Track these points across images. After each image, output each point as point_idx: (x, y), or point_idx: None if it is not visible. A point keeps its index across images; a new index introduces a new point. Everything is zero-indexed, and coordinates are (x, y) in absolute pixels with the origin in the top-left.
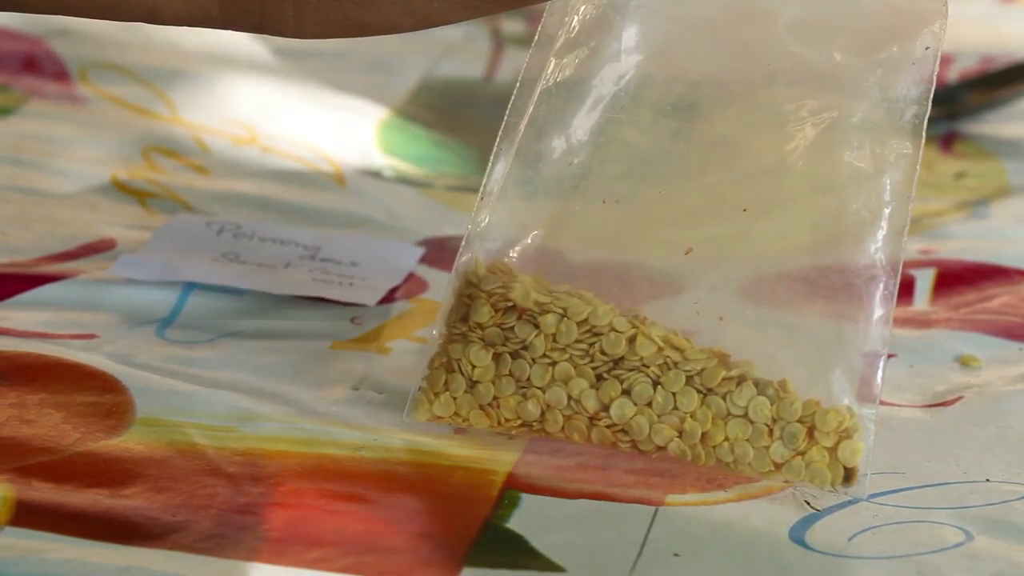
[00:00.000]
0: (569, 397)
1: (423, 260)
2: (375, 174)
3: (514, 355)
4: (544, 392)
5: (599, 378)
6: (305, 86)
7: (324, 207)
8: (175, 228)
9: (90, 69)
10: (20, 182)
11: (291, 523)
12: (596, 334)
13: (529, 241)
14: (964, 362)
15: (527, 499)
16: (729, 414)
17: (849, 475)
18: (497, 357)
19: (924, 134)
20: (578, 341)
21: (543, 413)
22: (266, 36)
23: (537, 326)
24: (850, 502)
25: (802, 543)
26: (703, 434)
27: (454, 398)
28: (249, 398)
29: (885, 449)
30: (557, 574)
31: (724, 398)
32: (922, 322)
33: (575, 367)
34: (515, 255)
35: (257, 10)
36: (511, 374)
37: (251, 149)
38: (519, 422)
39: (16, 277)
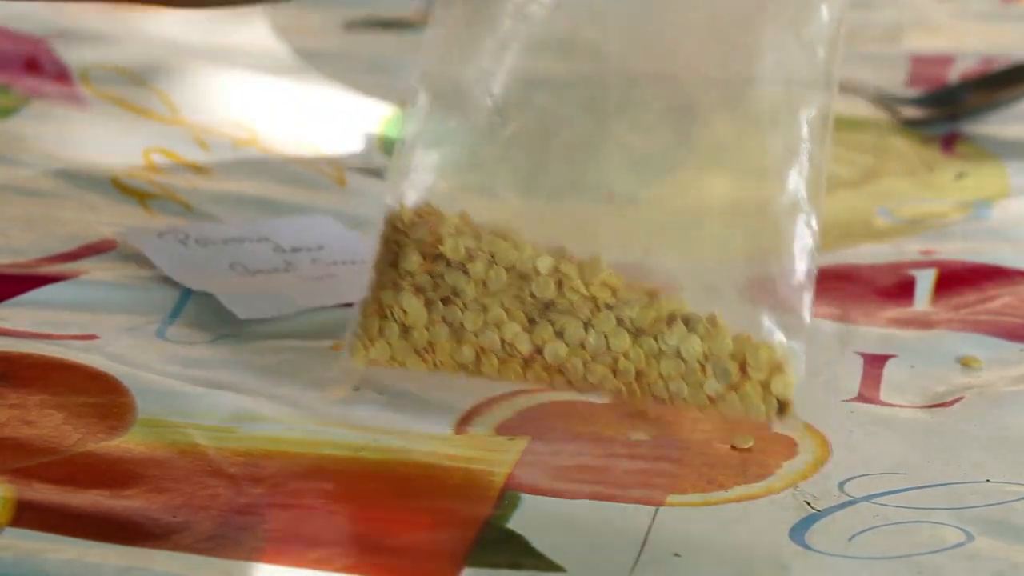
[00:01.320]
0: (503, 341)
1: None
2: (375, 174)
3: (445, 301)
4: (478, 337)
5: (531, 321)
6: (305, 86)
7: (324, 207)
8: (150, 245)
9: (91, 70)
10: (21, 183)
11: (292, 523)
12: (525, 278)
13: (453, 180)
14: (965, 363)
15: (527, 499)
16: (661, 353)
17: (783, 407)
18: (429, 303)
19: (835, 77)
20: (508, 286)
21: (478, 356)
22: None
23: (467, 272)
24: (850, 502)
25: (802, 543)
26: (637, 372)
27: (389, 344)
28: (250, 398)
29: (886, 450)
30: (557, 574)
31: (656, 338)
32: (923, 323)
33: (507, 311)
34: (439, 195)
35: None
36: (444, 320)
37: (251, 150)
38: (455, 366)
39: (17, 278)
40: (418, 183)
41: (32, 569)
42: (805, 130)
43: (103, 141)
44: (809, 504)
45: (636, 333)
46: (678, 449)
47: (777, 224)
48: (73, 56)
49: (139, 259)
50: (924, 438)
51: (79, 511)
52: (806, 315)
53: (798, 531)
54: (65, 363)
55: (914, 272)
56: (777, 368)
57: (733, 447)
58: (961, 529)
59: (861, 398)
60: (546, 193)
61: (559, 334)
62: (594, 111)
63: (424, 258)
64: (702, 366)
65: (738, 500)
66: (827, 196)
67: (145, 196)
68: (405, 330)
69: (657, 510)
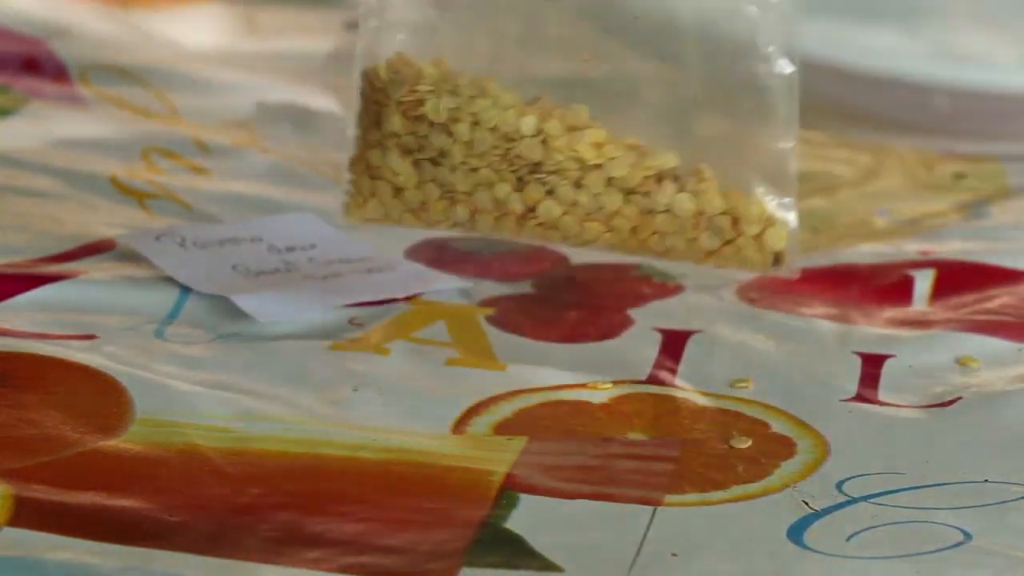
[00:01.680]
0: (495, 200)
1: (423, 261)
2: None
3: (434, 162)
4: (470, 196)
5: (520, 180)
6: (304, 87)
7: (323, 207)
8: (151, 248)
9: (90, 70)
10: (20, 183)
11: (290, 523)
12: (511, 140)
13: (425, 27)
14: (963, 363)
15: (525, 499)
16: (653, 210)
17: (778, 258)
18: (417, 164)
19: None
20: (494, 147)
21: (472, 215)
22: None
23: (451, 134)
24: (848, 502)
25: (800, 543)
26: (632, 228)
27: (383, 203)
28: (248, 398)
29: (884, 449)
30: (555, 574)
31: (646, 195)
32: (921, 323)
33: (495, 172)
34: (413, 44)
35: None
36: (434, 180)
37: (251, 150)
38: (450, 223)
39: (15, 278)
40: (390, 32)
41: (31, 569)
42: None
43: (102, 141)
44: (807, 504)
45: (627, 192)
46: (676, 449)
47: (764, 88)
48: (72, 56)
49: (138, 259)
50: (922, 438)
51: (78, 511)
52: (792, 167)
53: (796, 531)
54: (64, 363)
55: (913, 272)
56: (769, 221)
57: (731, 447)
58: (959, 529)
59: (859, 398)
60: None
61: (550, 193)
62: None
63: (406, 119)
64: (695, 222)
65: (736, 500)
66: (826, 197)
67: (144, 196)
68: (397, 191)
69: (655, 510)
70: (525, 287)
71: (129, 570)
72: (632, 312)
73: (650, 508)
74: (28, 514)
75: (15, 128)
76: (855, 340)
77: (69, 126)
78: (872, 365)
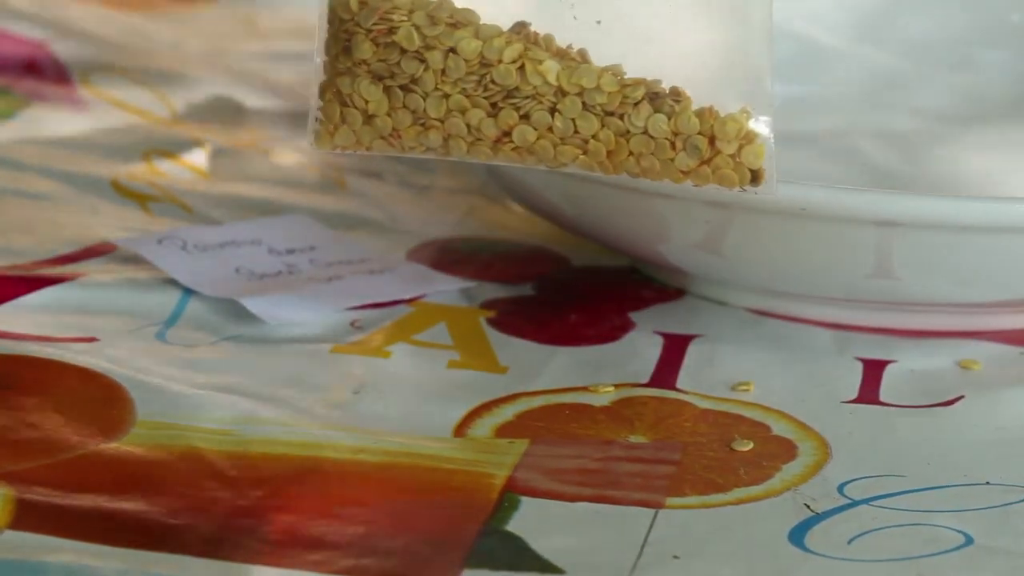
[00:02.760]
0: (468, 126)
1: (424, 263)
2: (376, 176)
3: (405, 88)
4: (443, 123)
5: (494, 106)
6: (305, 90)
7: (324, 209)
8: (154, 252)
9: (92, 72)
10: (21, 185)
11: (291, 526)
12: (486, 65)
13: None
14: (964, 366)
15: (527, 502)
16: (629, 132)
17: (756, 176)
18: (388, 90)
19: None
20: (469, 73)
21: (446, 140)
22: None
23: (423, 61)
24: (850, 505)
25: (801, 546)
26: (608, 152)
27: (353, 130)
28: (250, 401)
29: (885, 451)
30: None
31: (622, 118)
32: (922, 331)
33: (468, 98)
34: None
35: None
36: (405, 106)
37: (252, 152)
38: (423, 149)
39: (17, 280)
40: None
41: (32, 571)
42: None
43: (103, 143)
44: (808, 507)
45: (603, 116)
46: (677, 451)
47: (740, 2)
48: (73, 58)
49: (139, 262)
50: (924, 439)
51: (79, 513)
52: (769, 86)
53: (797, 534)
54: (65, 366)
55: None
56: (747, 139)
57: (732, 450)
58: (961, 531)
59: (861, 400)
60: None
61: (524, 118)
62: None
63: (376, 46)
64: (671, 143)
65: (737, 503)
66: None
67: (146, 199)
68: (368, 118)
69: (656, 512)
70: (526, 289)
71: (130, 573)
72: (633, 315)
73: (651, 511)
74: (29, 517)
75: (16, 130)
76: (856, 346)
77: (70, 128)
78: (873, 369)
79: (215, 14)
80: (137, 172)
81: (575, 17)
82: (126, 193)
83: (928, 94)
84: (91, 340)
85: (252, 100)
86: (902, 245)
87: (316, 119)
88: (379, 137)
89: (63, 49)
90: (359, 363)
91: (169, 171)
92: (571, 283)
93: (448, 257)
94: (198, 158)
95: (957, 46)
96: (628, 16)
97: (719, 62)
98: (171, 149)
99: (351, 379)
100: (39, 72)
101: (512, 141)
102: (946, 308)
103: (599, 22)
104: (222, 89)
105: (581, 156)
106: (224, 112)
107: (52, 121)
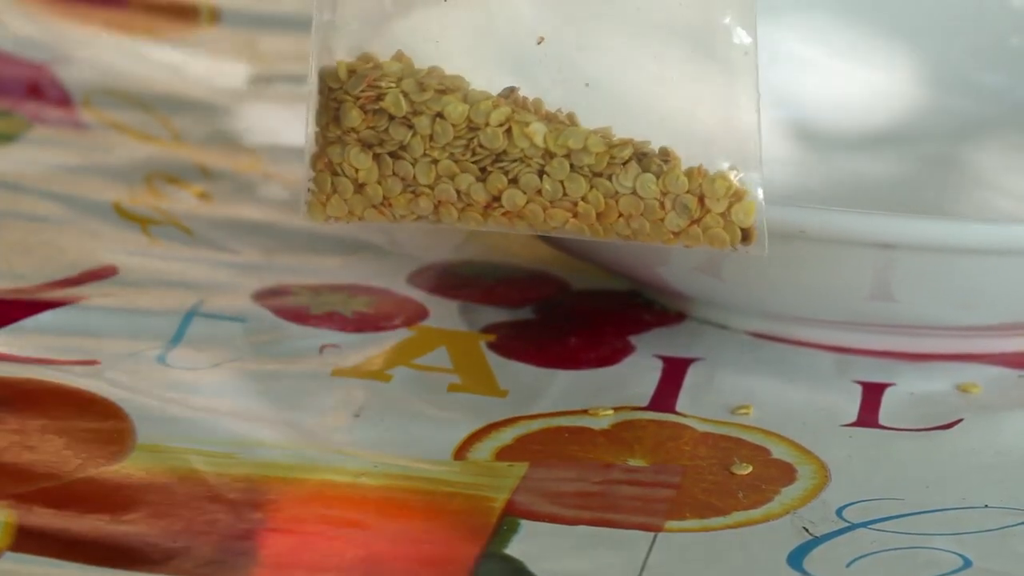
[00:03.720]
0: (458, 191)
1: (424, 287)
2: None
3: (394, 155)
4: (432, 189)
5: (483, 171)
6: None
7: (325, 233)
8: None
9: (93, 95)
10: (22, 208)
11: (291, 549)
12: (473, 129)
13: (384, 19)
14: (963, 389)
15: (526, 525)
16: (618, 193)
17: (747, 234)
18: (378, 158)
19: None
20: (456, 138)
21: (436, 207)
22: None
23: (411, 126)
24: (849, 528)
25: (801, 569)
26: (598, 214)
27: (345, 200)
28: (250, 424)
29: (884, 474)
30: None
31: (610, 179)
32: (921, 354)
33: (457, 163)
34: (374, 38)
35: None
36: (395, 174)
37: (253, 175)
38: (414, 217)
39: (18, 303)
40: (348, 27)
41: None
42: None
43: (105, 167)
44: (807, 530)
45: (591, 177)
46: (677, 475)
47: (723, 60)
48: (75, 81)
49: (140, 284)
50: (922, 462)
51: (79, 536)
52: (758, 143)
53: (796, 557)
54: (66, 388)
55: None
56: (736, 196)
57: (732, 473)
58: (959, 555)
59: (860, 423)
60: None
61: (513, 182)
62: None
63: (365, 113)
64: (660, 203)
65: (736, 526)
66: None
67: (147, 222)
68: (359, 187)
69: (656, 536)
70: (527, 313)
71: None
72: (633, 339)
73: (651, 534)
74: (29, 539)
75: (18, 153)
76: (855, 369)
77: (72, 151)
78: (872, 392)
79: (216, 37)
80: (138, 195)
81: (563, 80)
82: (127, 216)
83: (926, 118)
84: (92, 363)
85: (253, 123)
86: (901, 267)
87: (308, 190)
88: (371, 206)
89: (65, 72)
90: (360, 386)
91: (170, 194)
92: (571, 307)
93: (449, 281)
94: (199, 181)
95: (956, 69)
96: (616, 78)
97: (707, 121)
98: (172, 172)
99: (352, 402)
100: (41, 95)
101: (502, 206)
102: (945, 331)
103: (587, 84)
104: (223, 112)
105: (571, 220)
106: (225, 135)
107: (54, 144)
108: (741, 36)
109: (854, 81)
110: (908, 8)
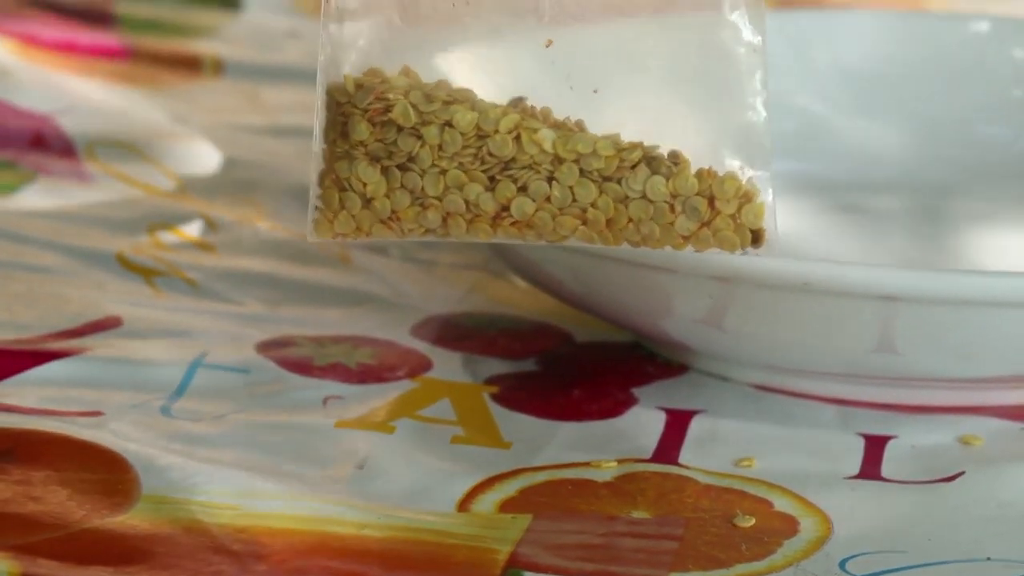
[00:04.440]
0: (467, 202)
1: (428, 339)
2: (381, 252)
3: (402, 167)
4: (441, 201)
5: (492, 180)
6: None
7: (329, 284)
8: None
9: (97, 146)
10: (27, 259)
11: None
12: (482, 137)
13: (392, 35)
14: (965, 441)
15: None
16: (628, 198)
17: (757, 236)
18: (386, 171)
19: None
20: (465, 147)
21: (444, 220)
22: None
23: (420, 136)
24: None
25: None
26: (607, 220)
27: (352, 216)
28: (253, 476)
29: (887, 527)
30: None
31: (620, 183)
32: (923, 407)
33: (466, 172)
34: (381, 54)
35: None
36: (403, 186)
37: (257, 226)
38: (422, 231)
39: (22, 354)
40: (356, 43)
41: None
42: None
43: (108, 217)
44: None
45: (600, 182)
46: (680, 527)
47: (731, 57)
48: (79, 132)
49: (144, 335)
50: (925, 515)
51: None
52: (767, 142)
53: None
54: (70, 439)
55: None
56: (746, 198)
57: (734, 525)
58: None
59: (862, 475)
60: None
61: (522, 190)
62: None
63: (373, 126)
64: (671, 206)
65: None
66: None
67: (151, 273)
68: (367, 202)
69: None
70: (530, 365)
71: None
72: (636, 391)
73: None
74: None
75: (22, 204)
76: (858, 421)
77: (76, 202)
78: (875, 444)
79: (219, 89)
80: (142, 246)
81: (571, 88)
82: (131, 267)
83: (929, 169)
84: (96, 414)
85: (256, 174)
86: (903, 319)
87: (315, 208)
88: (378, 221)
89: (69, 123)
90: (363, 438)
91: (174, 245)
92: (574, 358)
93: (452, 332)
94: (203, 232)
95: (958, 121)
96: (624, 84)
97: (716, 121)
98: (176, 223)
99: (355, 454)
100: (45, 146)
101: (511, 215)
102: (947, 383)
103: (596, 91)
104: (226, 163)
105: (580, 227)
106: (228, 186)
107: (58, 195)
108: (749, 34)
109: (856, 132)
110: (910, 60)
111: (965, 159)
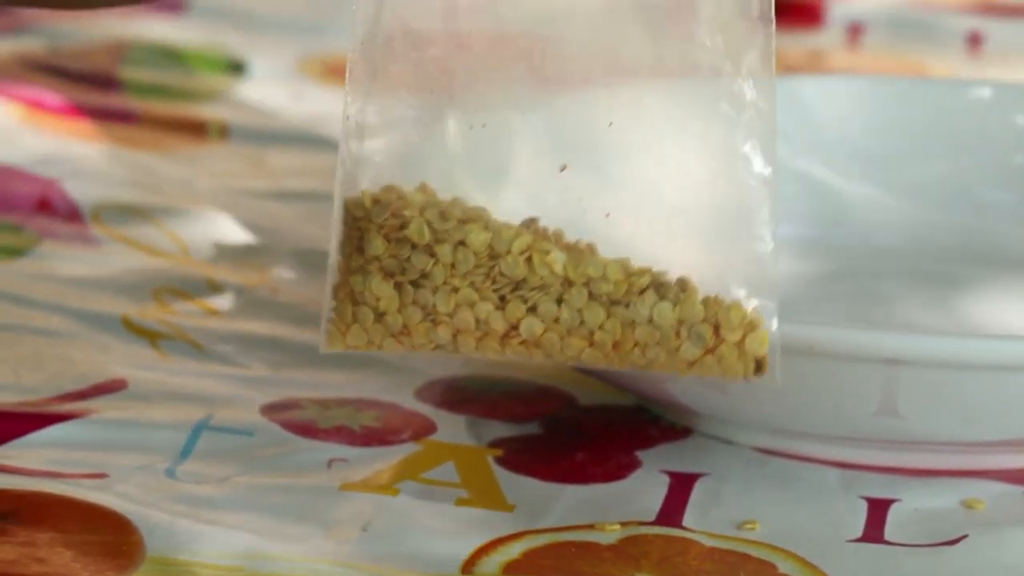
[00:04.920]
0: (477, 320)
1: (432, 401)
2: None
3: (415, 284)
4: (452, 318)
5: (503, 299)
6: (312, 226)
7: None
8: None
9: (103, 210)
10: (32, 322)
11: None
12: (494, 257)
13: (408, 151)
14: (968, 505)
15: None
16: (635, 322)
17: (759, 365)
18: (399, 287)
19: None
20: (477, 266)
21: (454, 336)
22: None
23: (433, 254)
24: None
25: None
26: (614, 344)
27: (365, 329)
28: (258, 538)
29: None
30: None
31: (627, 307)
32: (926, 470)
33: (477, 291)
34: (398, 170)
35: None
36: (415, 302)
37: (262, 290)
38: (432, 346)
39: (27, 416)
40: (372, 160)
41: None
42: (751, 91)
43: (114, 281)
44: None
45: (609, 305)
46: None
47: (742, 189)
48: (85, 196)
49: (149, 399)
50: None
51: None
52: (774, 274)
53: None
54: (75, 501)
55: None
56: (750, 326)
57: None
58: None
59: (865, 538)
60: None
61: (532, 310)
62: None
63: (388, 242)
64: (676, 331)
65: None
66: None
67: (156, 336)
68: (379, 316)
69: None
70: (533, 428)
71: None
72: (640, 454)
73: None
74: None
75: (28, 268)
76: (861, 485)
77: (81, 266)
78: (878, 508)
79: (224, 153)
80: (147, 310)
81: (584, 211)
82: (136, 330)
83: (930, 234)
84: (101, 476)
85: (261, 238)
86: (906, 383)
87: (328, 319)
88: (390, 335)
89: (75, 188)
90: (368, 500)
91: (179, 309)
92: (578, 422)
93: (455, 396)
94: (208, 296)
95: (960, 186)
96: (636, 207)
97: (724, 251)
98: (181, 287)
99: (360, 516)
100: (51, 210)
101: (519, 335)
102: (950, 447)
103: (608, 215)
104: (231, 227)
105: (587, 349)
106: (233, 250)
107: (63, 259)
108: (760, 166)
109: (858, 197)
110: (913, 126)
111: (967, 224)
